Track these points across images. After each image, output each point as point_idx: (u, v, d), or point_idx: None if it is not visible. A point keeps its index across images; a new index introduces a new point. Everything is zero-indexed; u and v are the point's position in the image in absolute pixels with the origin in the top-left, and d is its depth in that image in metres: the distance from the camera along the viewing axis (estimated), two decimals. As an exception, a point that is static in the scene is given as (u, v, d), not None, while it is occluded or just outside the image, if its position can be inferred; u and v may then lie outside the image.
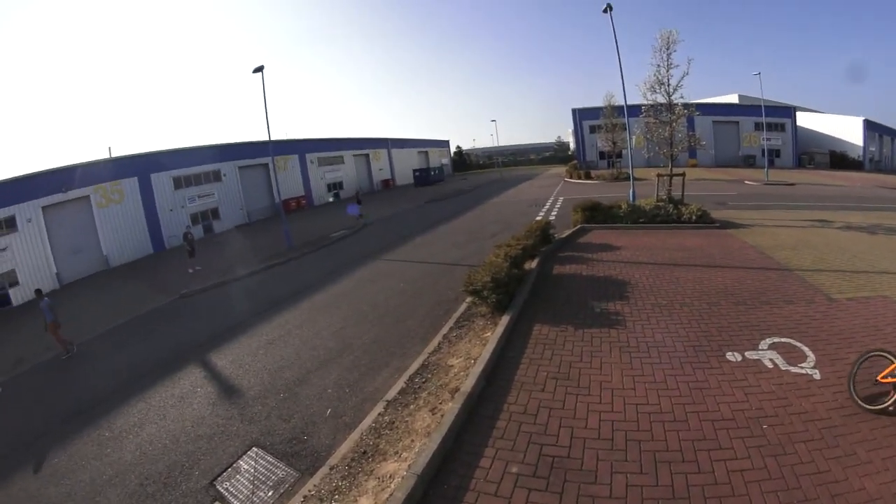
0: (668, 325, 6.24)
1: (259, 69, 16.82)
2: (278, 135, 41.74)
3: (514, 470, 3.63)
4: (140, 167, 22.68)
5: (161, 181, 23.42)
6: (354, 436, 4.45)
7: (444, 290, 8.86)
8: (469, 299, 7.12)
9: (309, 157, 35.44)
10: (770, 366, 5.09)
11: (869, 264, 9.53)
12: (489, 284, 6.38)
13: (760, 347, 5.54)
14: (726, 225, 13.66)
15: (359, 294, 9.34)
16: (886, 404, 4.21)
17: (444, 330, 6.66)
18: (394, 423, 4.46)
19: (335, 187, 38.38)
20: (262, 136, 24.00)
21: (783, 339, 5.77)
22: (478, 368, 4.91)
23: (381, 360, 6.16)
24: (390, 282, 10.05)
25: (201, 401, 6.10)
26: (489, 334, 6.01)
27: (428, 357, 5.83)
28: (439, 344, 6.21)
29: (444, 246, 13.43)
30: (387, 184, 46.14)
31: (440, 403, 4.52)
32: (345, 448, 4.43)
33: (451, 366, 5.43)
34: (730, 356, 5.29)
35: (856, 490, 3.40)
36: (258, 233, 22.75)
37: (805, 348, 5.47)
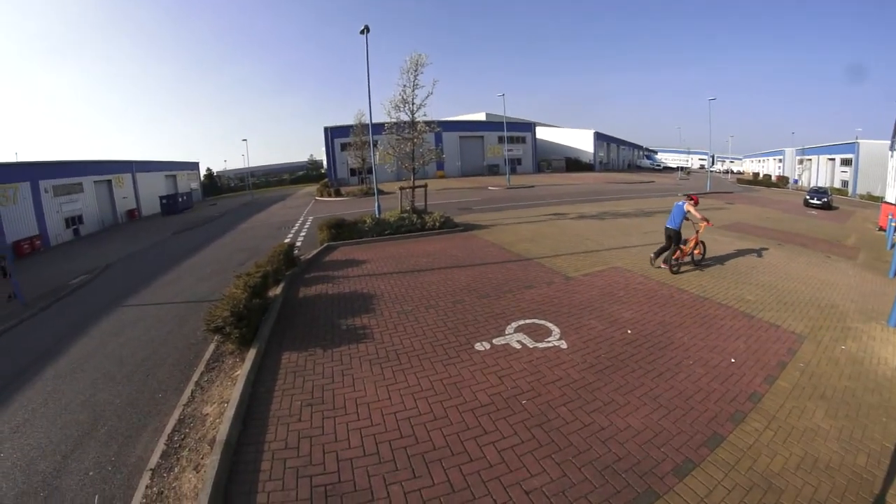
0: (415, 329, 6.50)
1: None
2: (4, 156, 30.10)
3: (290, 510, 3.28)
4: None
5: None
6: (127, 519, 3.68)
7: (192, 331, 7.71)
8: (215, 338, 6.30)
9: (43, 184, 26.51)
10: (518, 347, 5.71)
11: (599, 244, 12.11)
12: (230, 319, 5.77)
13: (507, 332, 6.15)
14: (469, 227, 15.63)
15: (105, 351, 7.66)
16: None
17: (196, 376, 5.81)
18: (163, 492, 3.87)
19: (75, 221, 29.53)
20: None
21: (528, 321, 6.52)
22: (231, 412, 4.46)
23: (139, 423, 5.18)
24: (136, 331, 8.39)
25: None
26: (239, 372, 5.42)
27: (183, 409, 5.07)
28: (192, 392, 5.41)
29: (190, 282, 11.89)
30: (132, 214, 37.91)
31: (202, 459, 4.03)
32: (122, 536, 3.69)
33: (207, 414, 4.84)
34: (479, 346, 5.77)
35: (622, 429, 4.06)
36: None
37: (549, 324, 6.25)
